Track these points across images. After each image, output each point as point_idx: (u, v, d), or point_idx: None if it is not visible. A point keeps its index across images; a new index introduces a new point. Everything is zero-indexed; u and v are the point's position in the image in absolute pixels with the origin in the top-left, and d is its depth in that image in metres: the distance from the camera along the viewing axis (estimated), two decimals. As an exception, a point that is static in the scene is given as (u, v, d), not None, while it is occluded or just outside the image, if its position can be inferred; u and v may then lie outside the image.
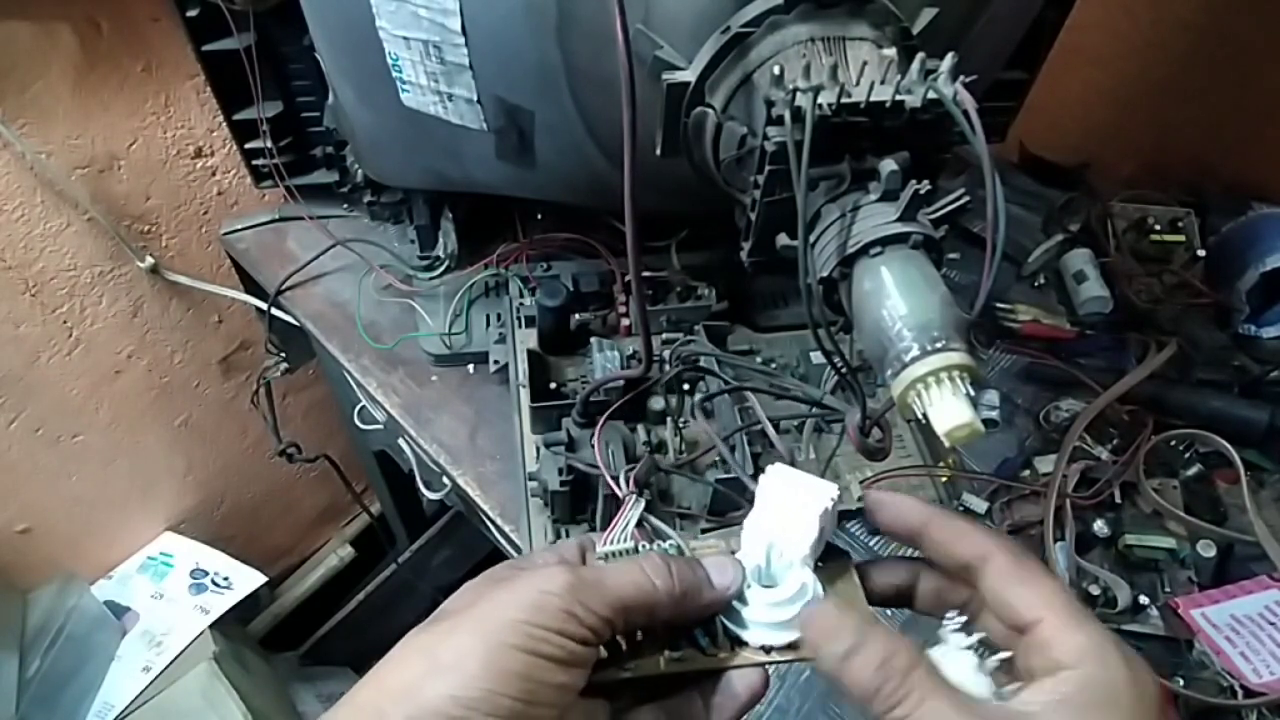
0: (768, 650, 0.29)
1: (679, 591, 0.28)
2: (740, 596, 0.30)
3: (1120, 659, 0.24)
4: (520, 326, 0.64)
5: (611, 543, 0.32)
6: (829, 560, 0.31)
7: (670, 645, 0.29)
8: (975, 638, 0.27)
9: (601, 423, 0.52)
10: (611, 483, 0.47)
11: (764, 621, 0.29)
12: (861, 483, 0.57)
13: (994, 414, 0.63)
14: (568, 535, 0.53)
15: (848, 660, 0.26)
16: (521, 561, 0.30)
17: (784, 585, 0.30)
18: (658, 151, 0.45)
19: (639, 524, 0.33)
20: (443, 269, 0.72)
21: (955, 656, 0.27)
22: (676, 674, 0.29)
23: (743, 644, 0.29)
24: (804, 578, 0.30)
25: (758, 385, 0.60)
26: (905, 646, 0.26)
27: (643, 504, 0.34)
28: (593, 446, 0.51)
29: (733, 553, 0.32)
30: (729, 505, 0.53)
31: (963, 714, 0.24)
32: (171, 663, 0.93)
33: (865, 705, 0.25)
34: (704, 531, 0.53)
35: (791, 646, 0.29)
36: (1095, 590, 0.51)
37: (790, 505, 0.30)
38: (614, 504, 0.46)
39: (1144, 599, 0.51)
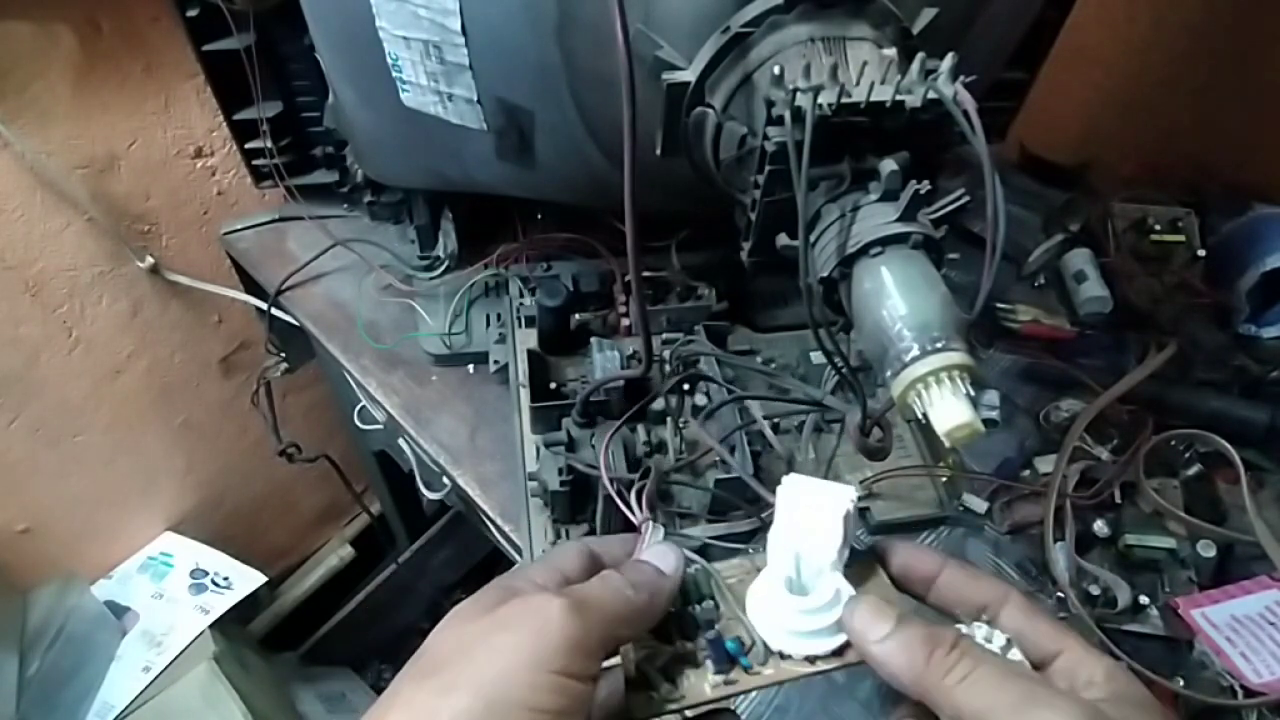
0: (812, 660, 0.29)
1: (649, 599, 0.28)
2: (771, 608, 0.29)
3: (1138, 681, 0.26)
4: (520, 326, 0.64)
5: None
6: (853, 562, 0.30)
7: (714, 669, 0.29)
8: (1004, 638, 0.27)
9: (610, 435, 0.51)
10: (624, 508, 0.45)
11: (803, 631, 0.29)
12: (862, 482, 0.57)
13: (994, 414, 0.63)
14: (567, 535, 0.53)
15: (894, 638, 0.26)
16: (514, 581, 0.28)
17: (818, 592, 0.29)
18: (658, 151, 0.45)
19: None
20: (443, 269, 0.72)
21: None
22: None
23: (785, 657, 0.29)
24: (836, 583, 0.29)
25: (758, 392, 0.60)
26: (946, 624, 0.27)
27: (661, 531, 0.33)
28: (594, 451, 0.51)
29: (756, 569, 0.31)
30: (728, 506, 0.53)
31: (1015, 679, 0.25)
32: (171, 663, 0.93)
33: (916, 681, 0.25)
34: (714, 529, 0.53)
35: (836, 653, 0.29)
36: (1095, 590, 0.51)
37: (811, 513, 0.29)
38: (612, 506, 0.46)
39: (1144, 599, 0.51)
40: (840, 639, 0.29)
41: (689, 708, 0.28)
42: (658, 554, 0.30)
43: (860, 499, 0.56)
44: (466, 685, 0.24)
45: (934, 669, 0.25)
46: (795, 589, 0.30)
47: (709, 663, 0.29)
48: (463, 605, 0.27)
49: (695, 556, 0.32)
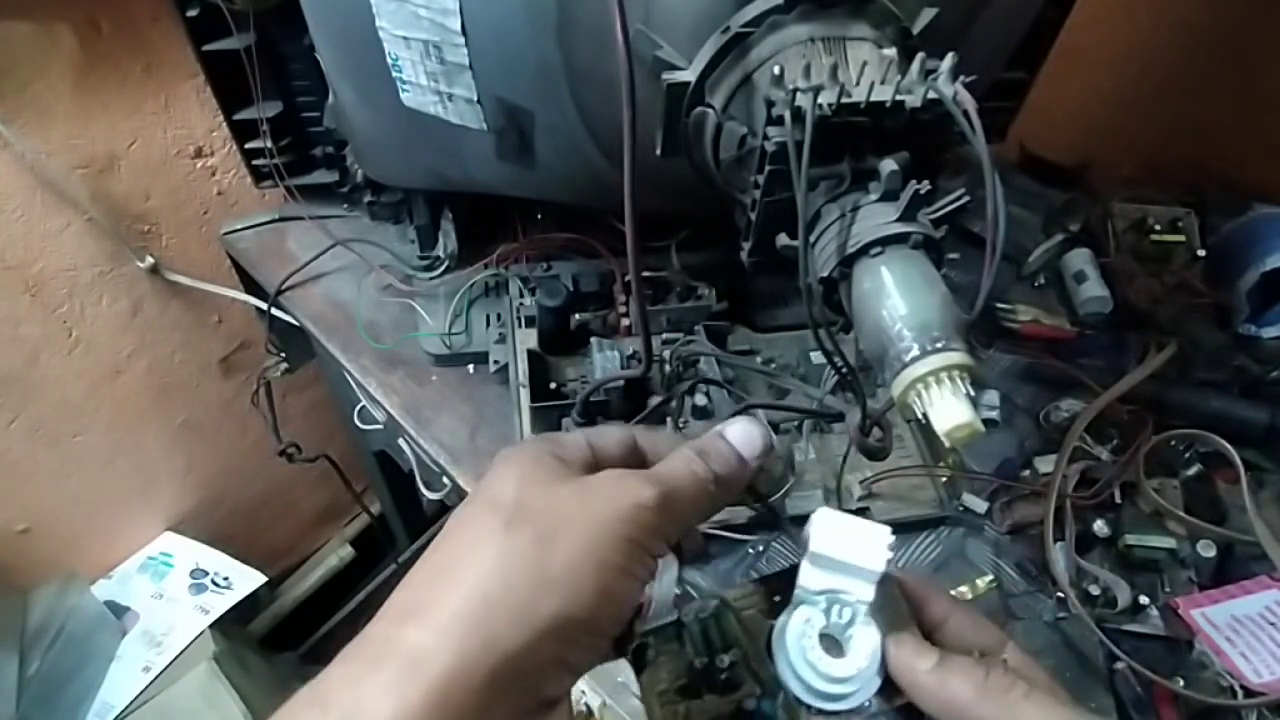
0: (847, 715, 0.28)
1: (727, 494, 0.29)
2: (805, 668, 0.28)
3: None
4: (520, 326, 0.64)
5: (654, 619, 0.30)
6: (877, 594, 0.29)
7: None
8: None
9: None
10: None
11: (839, 694, 0.28)
12: (861, 482, 0.57)
13: (994, 414, 0.63)
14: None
15: (946, 666, 0.27)
16: (559, 445, 0.28)
17: (854, 653, 0.28)
18: (658, 151, 0.45)
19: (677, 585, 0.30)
20: (443, 269, 0.72)
21: None
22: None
23: (820, 713, 0.28)
24: (873, 639, 0.28)
25: (759, 393, 0.60)
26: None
27: (675, 565, 0.30)
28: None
29: (775, 600, 0.30)
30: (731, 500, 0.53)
31: (1068, 702, 0.26)
32: (171, 663, 0.93)
33: (976, 700, 0.26)
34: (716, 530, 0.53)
35: (869, 703, 0.28)
36: (1095, 590, 0.51)
37: (847, 557, 0.28)
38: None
39: (1144, 599, 0.51)
40: (875, 686, 0.28)
41: None
42: (743, 438, 0.29)
43: (860, 499, 0.56)
44: (572, 542, 0.24)
45: (994, 687, 0.26)
46: (826, 633, 0.28)
47: None
48: (523, 463, 0.26)
49: (714, 592, 0.31)
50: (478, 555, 0.24)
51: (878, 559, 0.27)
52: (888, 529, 0.28)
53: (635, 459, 0.30)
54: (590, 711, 0.56)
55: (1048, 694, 0.26)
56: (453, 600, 0.23)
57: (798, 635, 0.28)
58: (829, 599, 0.28)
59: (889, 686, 0.28)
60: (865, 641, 0.28)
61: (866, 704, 0.28)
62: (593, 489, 0.26)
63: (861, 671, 0.28)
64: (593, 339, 0.60)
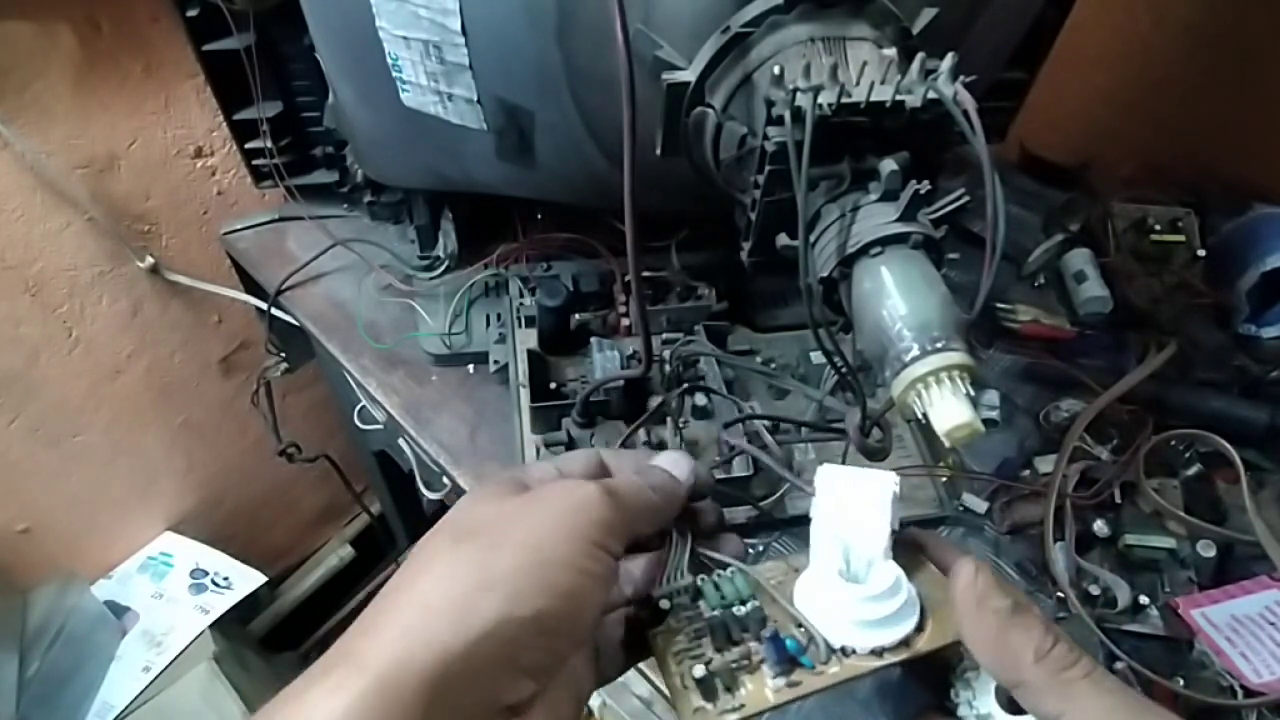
0: (879, 653, 0.27)
1: (664, 501, 0.30)
2: (827, 601, 0.28)
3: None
4: (520, 326, 0.64)
5: (670, 581, 0.30)
6: (897, 553, 0.29)
7: (774, 671, 0.27)
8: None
9: (622, 441, 0.51)
10: None
11: (865, 621, 0.27)
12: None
13: (994, 414, 0.63)
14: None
15: (1010, 620, 0.26)
16: (525, 475, 0.29)
17: (877, 578, 0.28)
18: (658, 151, 0.45)
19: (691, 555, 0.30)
20: (443, 269, 0.72)
21: None
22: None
23: (850, 652, 0.28)
24: (893, 571, 0.28)
25: (759, 395, 0.59)
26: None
27: (689, 539, 0.30)
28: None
29: (795, 570, 0.30)
30: (731, 501, 0.53)
31: (1129, 689, 0.25)
32: (171, 663, 0.93)
33: (1032, 665, 0.25)
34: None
35: (904, 643, 0.28)
36: (1095, 590, 0.51)
37: (855, 502, 0.28)
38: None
39: (1144, 599, 0.51)
40: (907, 627, 0.28)
41: (749, 717, 0.26)
42: (671, 460, 0.31)
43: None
44: (514, 544, 0.24)
45: (1056, 659, 0.25)
46: (849, 579, 0.28)
47: (766, 666, 0.27)
48: (482, 490, 0.28)
49: (730, 560, 0.31)
50: (426, 573, 0.24)
51: (884, 501, 0.28)
52: (893, 474, 0.29)
53: (602, 476, 0.31)
54: (590, 711, 0.56)
55: (1115, 680, 0.25)
56: (396, 613, 0.23)
57: (815, 579, 0.29)
58: (846, 547, 0.28)
59: (914, 637, 0.28)
60: (884, 574, 0.28)
61: (897, 644, 0.27)
62: (538, 495, 0.27)
63: (886, 592, 0.27)
64: (593, 339, 0.60)
